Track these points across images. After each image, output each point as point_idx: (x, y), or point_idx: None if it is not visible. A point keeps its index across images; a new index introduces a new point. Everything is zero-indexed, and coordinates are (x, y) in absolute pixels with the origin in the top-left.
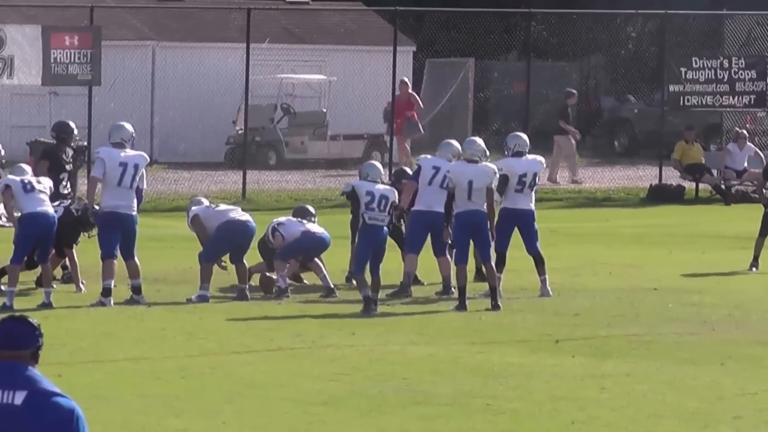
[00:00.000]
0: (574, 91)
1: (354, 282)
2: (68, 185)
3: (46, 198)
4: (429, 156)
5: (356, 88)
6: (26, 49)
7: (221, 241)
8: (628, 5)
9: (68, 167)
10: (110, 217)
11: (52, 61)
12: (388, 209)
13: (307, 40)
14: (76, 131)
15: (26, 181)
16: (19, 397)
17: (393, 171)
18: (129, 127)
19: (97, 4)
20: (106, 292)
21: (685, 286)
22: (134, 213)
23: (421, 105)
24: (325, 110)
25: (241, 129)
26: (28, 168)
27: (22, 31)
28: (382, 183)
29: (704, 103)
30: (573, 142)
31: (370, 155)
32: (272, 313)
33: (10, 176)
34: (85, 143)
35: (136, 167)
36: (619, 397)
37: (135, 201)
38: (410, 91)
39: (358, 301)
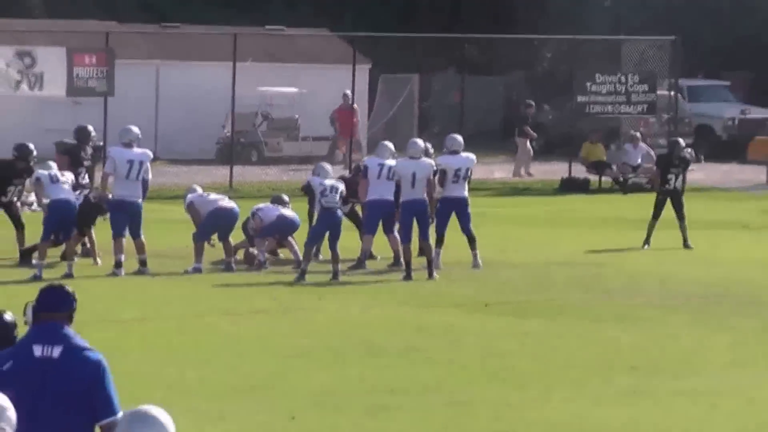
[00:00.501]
0: (533, 103)
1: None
2: (86, 177)
3: (68, 188)
4: (372, 156)
5: (322, 98)
6: (53, 67)
7: (211, 224)
8: (544, 31)
9: (86, 163)
10: (119, 204)
11: (74, 76)
12: (339, 195)
13: (282, 60)
14: (93, 133)
15: (52, 174)
16: (57, 351)
17: (353, 166)
18: (135, 129)
19: (111, 30)
20: (118, 264)
21: (590, 260)
22: (139, 200)
23: (358, 114)
24: (297, 117)
25: (229, 132)
26: (53, 164)
27: (50, 52)
28: (330, 178)
29: (606, 110)
30: (529, 145)
31: (334, 153)
32: (253, 281)
33: (40, 171)
34: (102, 143)
35: (141, 163)
36: (536, 350)
37: (141, 191)
38: (350, 102)
39: (324, 272)
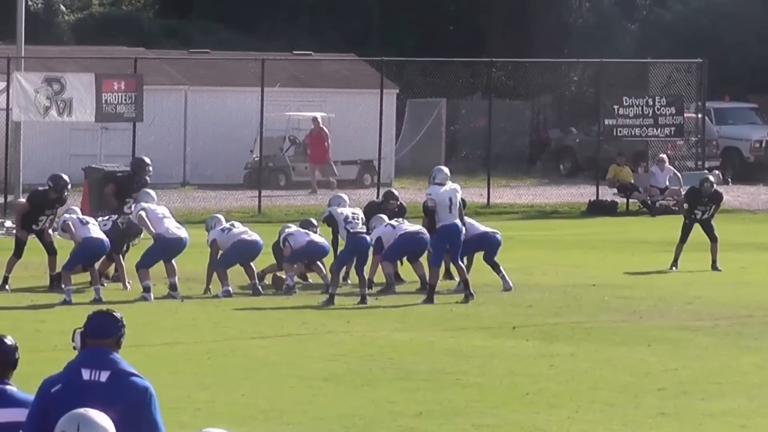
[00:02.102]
0: None
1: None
2: (132, 207)
3: (97, 227)
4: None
5: (350, 123)
6: (82, 93)
7: (234, 255)
8: (571, 55)
9: (134, 195)
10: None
11: (103, 102)
12: (361, 221)
13: (310, 84)
14: (150, 165)
15: (80, 217)
16: (104, 376)
17: (383, 192)
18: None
19: (140, 56)
20: (146, 289)
21: (617, 282)
22: None
23: (328, 138)
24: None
25: (257, 156)
26: (77, 208)
27: (79, 78)
28: (347, 207)
29: (633, 133)
30: None
31: (362, 177)
32: (282, 305)
33: (66, 215)
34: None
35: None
36: (564, 372)
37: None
38: (321, 126)
39: (352, 295)
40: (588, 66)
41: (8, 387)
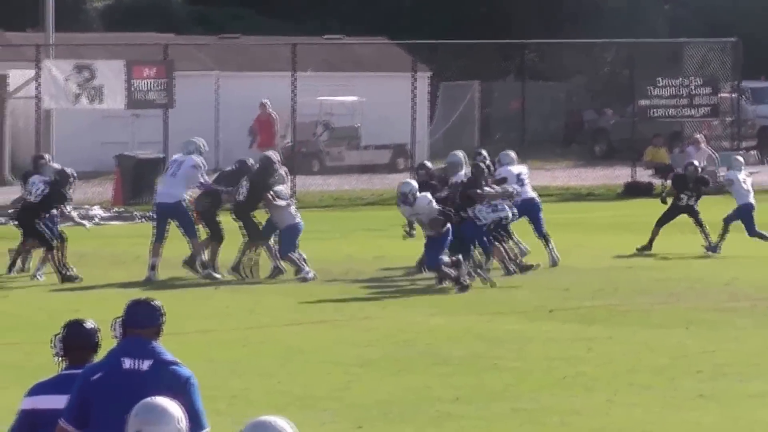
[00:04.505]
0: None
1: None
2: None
3: None
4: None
5: (382, 107)
6: (112, 80)
7: (293, 237)
8: (603, 36)
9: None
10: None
11: (133, 89)
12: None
13: (341, 69)
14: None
15: None
16: (145, 364)
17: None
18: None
19: (170, 42)
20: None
21: (654, 264)
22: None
23: (277, 123)
24: (357, 125)
25: (289, 142)
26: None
27: (109, 65)
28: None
29: (667, 114)
30: None
31: (395, 162)
32: (315, 292)
33: None
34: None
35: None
36: (601, 356)
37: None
38: (269, 111)
39: (387, 279)
40: (621, 47)
41: None
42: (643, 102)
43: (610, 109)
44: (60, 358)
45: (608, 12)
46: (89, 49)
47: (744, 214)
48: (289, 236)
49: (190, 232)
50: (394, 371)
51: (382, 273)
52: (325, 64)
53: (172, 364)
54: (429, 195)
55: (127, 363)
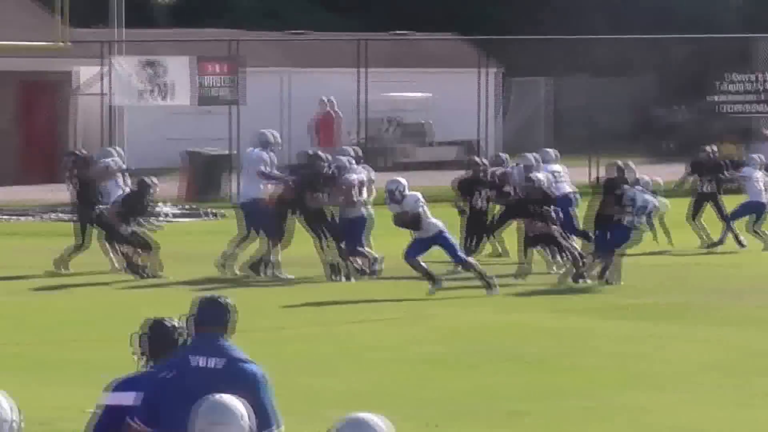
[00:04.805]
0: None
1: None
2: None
3: None
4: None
5: (452, 103)
6: (180, 76)
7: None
8: (672, 32)
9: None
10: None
11: (201, 85)
12: None
13: (410, 64)
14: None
15: None
16: (216, 363)
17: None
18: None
19: (238, 38)
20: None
21: (725, 261)
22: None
23: (341, 122)
24: (427, 122)
25: (356, 139)
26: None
27: (177, 61)
28: None
29: (738, 110)
30: None
31: (464, 158)
32: (380, 289)
33: None
34: (232, 152)
35: None
36: (672, 353)
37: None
38: (328, 108)
39: (459, 278)
40: (691, 42)
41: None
42: (713, 98)
43: (680, 105)
44: (141, 357)
45: (678, 7)
46: (156, 45)
47: (753, 210)
48: (360, 230)
49: (263, 231)
50: (463, 368)
51: (445, 269)
52: (394, 59)
53: (244, 361)
54: (419, 194)
55: (199, 361)
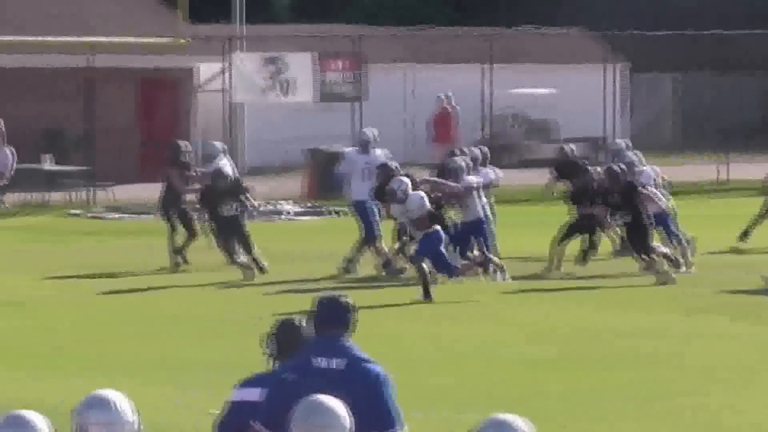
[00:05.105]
0: None
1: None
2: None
3: None
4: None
5: (579, 99)
6: (302, 72)
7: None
8: None
9: None
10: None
11: (324, 81)
12: None
13: (535, 60)
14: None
15: None
16: (338, 363)
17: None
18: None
19: (361, 33)
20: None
21: None
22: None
23: (457, 118)
24: (551, 118)
25: (481, 135)
26: None
27: (299, 58)
28: None
29: None
30: None
31: (590, 155)
32: (471, 288)
33: None
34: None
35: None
36: None
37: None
38: (445, 105)
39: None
40: None
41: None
42: None
43: None
44: (271, 358)
45: None
46: (278, 42)
47: None
48: (478, 234)
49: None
50: (563, 368)
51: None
52: (520, 55)
53: (365, 361)
54: (422, 193)
55: (321, 362)
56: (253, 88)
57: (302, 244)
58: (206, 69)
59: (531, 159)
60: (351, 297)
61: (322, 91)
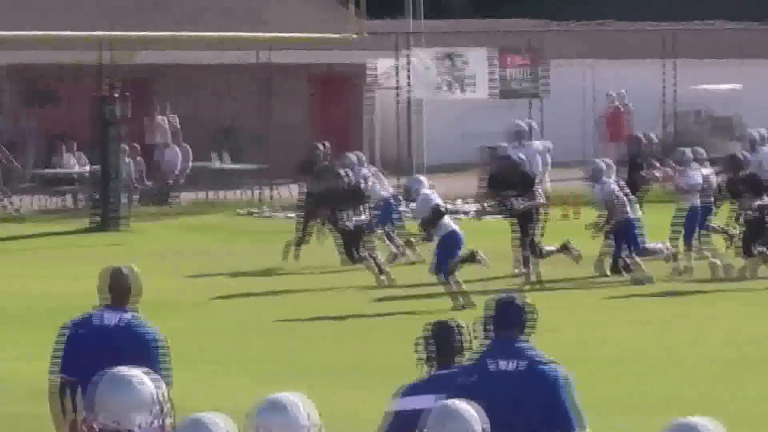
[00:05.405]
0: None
1: None
2: None
3: None
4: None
5: (762, 94)
6: (478, 68)
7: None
8: None
9: None
10: None
11: (501, 77)
12: None
13: (718, 55)
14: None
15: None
16: (520, 365)
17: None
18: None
19: (541, 28)
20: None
21: None
22: None
23: (631, 116)
24: (735, 114)
25: (658, 134)
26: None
27: (477, 53)
28: None
29: None
30: None
31: None
32: (650, 290)
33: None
34: None
35: None
36: None
37: None
38: (616, 103)
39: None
40: None
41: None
42: None
43: None
44: (426, 363)
45: None
46: (454, 37)
47: None
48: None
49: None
50: (716, 375)
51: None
52: (700, 50)
53: (545, 363)
54: (432, 195)
55: (499, 364)
56: (430, 84)
57: (478, 244)
58: (380, 65)
59: (714, 157)
60: (530, 298)
61: (498, 88)
